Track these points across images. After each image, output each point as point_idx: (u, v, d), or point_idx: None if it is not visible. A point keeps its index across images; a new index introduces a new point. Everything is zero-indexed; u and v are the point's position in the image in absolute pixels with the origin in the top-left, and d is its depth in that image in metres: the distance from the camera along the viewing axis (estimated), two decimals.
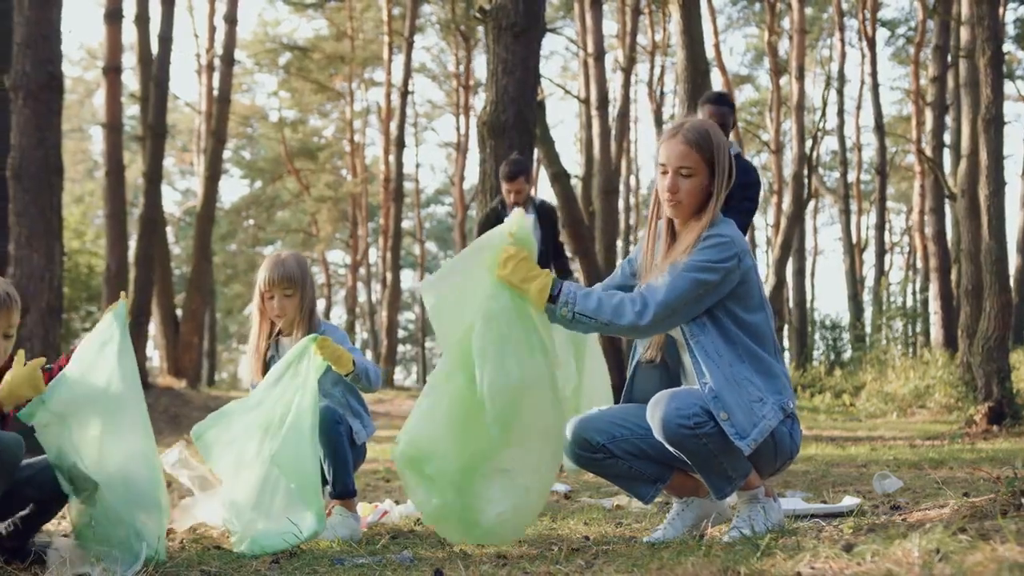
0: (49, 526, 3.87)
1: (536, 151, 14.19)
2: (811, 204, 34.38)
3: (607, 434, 3.38)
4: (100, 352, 3.40)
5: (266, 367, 4.20)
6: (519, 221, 3.31)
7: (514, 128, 8.98)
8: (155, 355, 26.23)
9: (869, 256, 34.88)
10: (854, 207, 33.97)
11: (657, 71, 31.70)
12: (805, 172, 21.98)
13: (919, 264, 29.66)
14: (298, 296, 4.14)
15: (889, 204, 37.65)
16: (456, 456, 3.28)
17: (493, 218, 7.02)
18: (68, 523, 3.39)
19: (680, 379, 3.46)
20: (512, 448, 3.27)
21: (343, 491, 3.96)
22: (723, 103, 5.93)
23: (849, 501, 4.29)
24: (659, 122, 30.64)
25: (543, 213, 7.46)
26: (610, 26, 31.35)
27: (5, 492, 3.21)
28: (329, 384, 4.04)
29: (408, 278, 46.33)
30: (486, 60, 9.42)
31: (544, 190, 34.45)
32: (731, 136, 5.98)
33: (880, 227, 29.73)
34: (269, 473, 3.68)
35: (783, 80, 28.20)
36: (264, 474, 3.69)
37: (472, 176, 31.63)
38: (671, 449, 3.25)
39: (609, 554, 3.12)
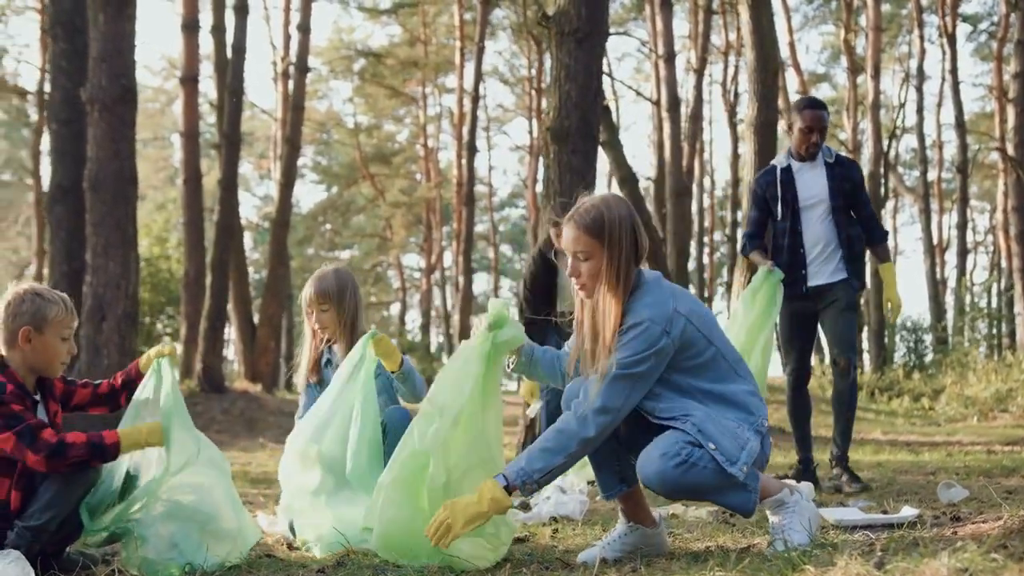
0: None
1: (603, 156, 14.17)
2: (890, 203, 33.77)
3: None
4: (154, 398, 3.57)
5: (318, 373, 4.47)
6: (497, 311, 3.41)
7: (578, 133, 8.94)
8: (236, 359, 26.76)
9: (952, 257, 34.12)
10: (935, 206, 33.25)
11: (731, 71, 31.44)
12: (882, 171, 21.60)
13: (1003, 264, 28.93)
14: (334, 311, 4.34)
15: (972, 203, 36.84)
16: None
17: (540, 263, 6.80)
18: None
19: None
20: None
21: None
22: (822, 107, 5.88)
23: (908, 512, 4.20)
24: (733, 123, 30.36)
25: None
26: (684, 27, 31.18)
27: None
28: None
29: (482, 281, 46.57)
30: (550, 66, 9.41)
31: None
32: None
33: (962, 227, 29.07)
34: (326, 477, 3.81)
35: (860, 78, 27.73)
36: (320, 477, 3.81)
37: None
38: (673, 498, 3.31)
39: (650, 566, 3.11)
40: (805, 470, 5.90)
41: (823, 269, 5.73)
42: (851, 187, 5.77)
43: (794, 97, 29.21)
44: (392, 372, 4.08)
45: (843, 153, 6.03)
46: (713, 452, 3.13)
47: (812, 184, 5.76)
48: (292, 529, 4.05)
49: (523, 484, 3.16)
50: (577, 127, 8.99)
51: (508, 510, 3.18)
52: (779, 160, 5.93)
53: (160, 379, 3.58)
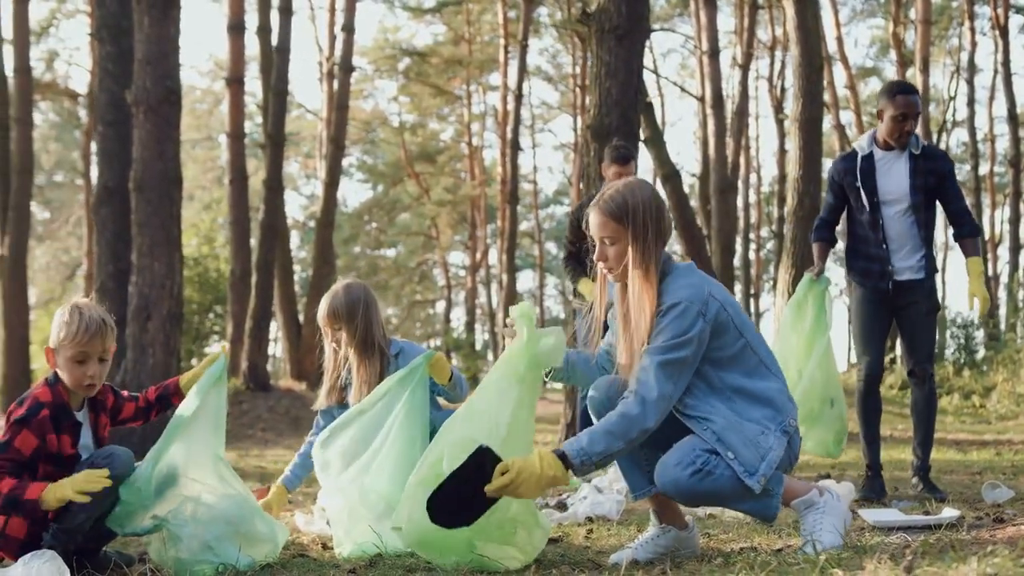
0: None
1: (647, 153, 14.09)
2: None
3: None
4: (203, 403, 3.56)
5: (339, 392, 4.50)
6: (522, 310, 3.45)
7: (618, 131, 8.92)
8: (283, 357, 26.95)
9: (1004, 252, 33.52)
10: (987, 201, 32.71)
11: (777, 66, 31.16)
12: None
13: None
14: (344, 330, 4.34)
15: None
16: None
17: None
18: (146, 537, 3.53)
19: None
20: None
21: None
22: (915, 92, 5.45)
23: (948, 513, 4.13)
24: (780, 119, 30.10)
25: None
26: (730, 22, 30.98)
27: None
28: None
29: (527, 279, 46.53)
30: (590, 64, 9.39)
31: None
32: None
33: (1015, 221, 28.56)
34: (363, 482, 3.80)
35: (909, 72, 27.33)
36: (359, 483, 3.80)
37: None
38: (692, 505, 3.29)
39: (678, 568, 3.08)
40: (874, 476, 5.51)
41: (907, 265, 5.38)
42: (936, 181, 5.37)
43: (842, 92, 28.90)
44: (443, 384, 4.14)
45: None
46: (731, 461, 3.11)
47: (894, 177, 5.38)
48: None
49: (581, 463, 3.12)
50: (618, 125, 8.97)
51: (558, 482, 3.12)
52: (860, 145, 5.51)
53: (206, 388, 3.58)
